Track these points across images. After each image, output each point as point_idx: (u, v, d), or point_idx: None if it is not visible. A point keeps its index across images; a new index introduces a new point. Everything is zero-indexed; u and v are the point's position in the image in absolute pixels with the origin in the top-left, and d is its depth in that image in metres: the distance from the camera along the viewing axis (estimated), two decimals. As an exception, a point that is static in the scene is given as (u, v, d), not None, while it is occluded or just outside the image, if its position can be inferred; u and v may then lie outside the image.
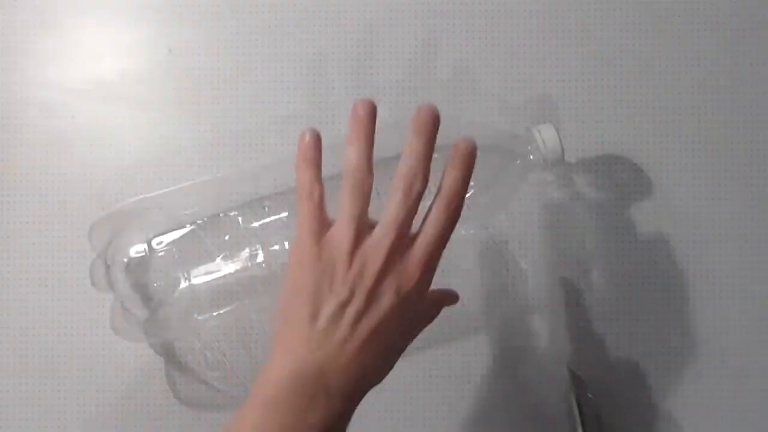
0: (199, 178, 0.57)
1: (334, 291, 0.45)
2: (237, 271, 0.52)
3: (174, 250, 0.52)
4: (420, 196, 0.45)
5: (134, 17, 0.59)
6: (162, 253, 0.52)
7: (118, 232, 0.53)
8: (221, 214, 0.53)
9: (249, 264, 0.52)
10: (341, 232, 0.45)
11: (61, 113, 0.59)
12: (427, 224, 0.46)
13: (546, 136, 0.53)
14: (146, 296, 0.52)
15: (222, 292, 0.52)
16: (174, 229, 0.53)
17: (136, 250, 0.52)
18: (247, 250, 0.52)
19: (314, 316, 0.45)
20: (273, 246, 0.52)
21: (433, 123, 0.45)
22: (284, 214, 0.52)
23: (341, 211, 0.46)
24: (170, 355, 0.58)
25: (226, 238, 0.52)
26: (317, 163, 0.47)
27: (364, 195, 0.45)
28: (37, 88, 0.59)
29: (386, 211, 0.45)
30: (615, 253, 0.58)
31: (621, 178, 0.58)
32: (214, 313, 0.53)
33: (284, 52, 0.59)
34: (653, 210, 0.58)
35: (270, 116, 0.59)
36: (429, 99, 0.57)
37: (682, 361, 0.58)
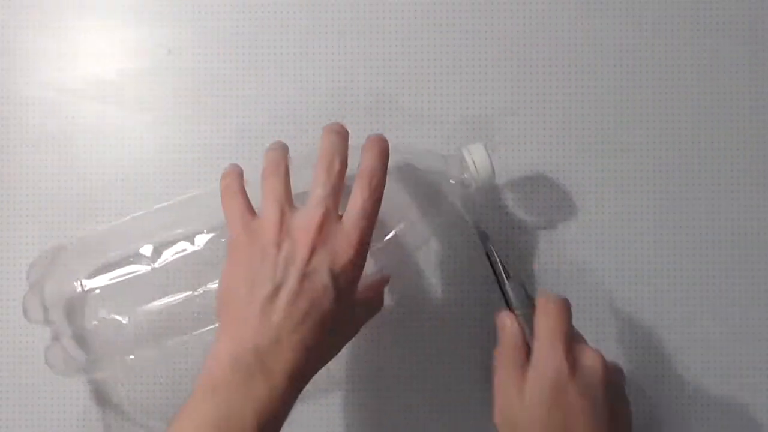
0: (143, 211, 0.56)
1: (267, 274, 0.46)
2: (176, 307, 0.51)
3: (112, 288, 0.52)
4: (341, 174, 0.47)
5: (134, 17, 0.59)
6: (99, 291, 0.52)
7: (56, 269, 0.52)
8: (161, 251, 0.52)
9: (189, 301, 0.51)
10: (266, 216, 0.47)
11: (60, 113, 0.59)
12: (350, 202, 0.47)
13: (477, 156, 0.52)
14: (83, 336, 0.52)
15: (162, 328, 0.52)
16: (113, 267, 0.52)
17: (73, 288, 0.52)
18: (188, 286, 0.52)
19: (250, 300, 0.46)
20: (214, 282, 0.51)
21: (338, 125, 0.49)
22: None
23: (263, 197, 0.47)
24: (105, 396, 0.58)
25: (167, 275, 0.52)
26: (237, 173, 0.50)
27: (282, 176, 0.48)
28: (37, 88, 0.59)
29: (310, 192, 0.47)
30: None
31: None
32: (153, 351, 0.53)
33: (284, 51, 0.59)
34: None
35: (270, 116, 0.59)
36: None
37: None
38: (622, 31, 0.59)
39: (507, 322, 0.51)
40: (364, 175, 0.48)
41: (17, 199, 0.58)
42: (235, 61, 0.59)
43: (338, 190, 0.47)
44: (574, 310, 0.49)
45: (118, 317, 0.51)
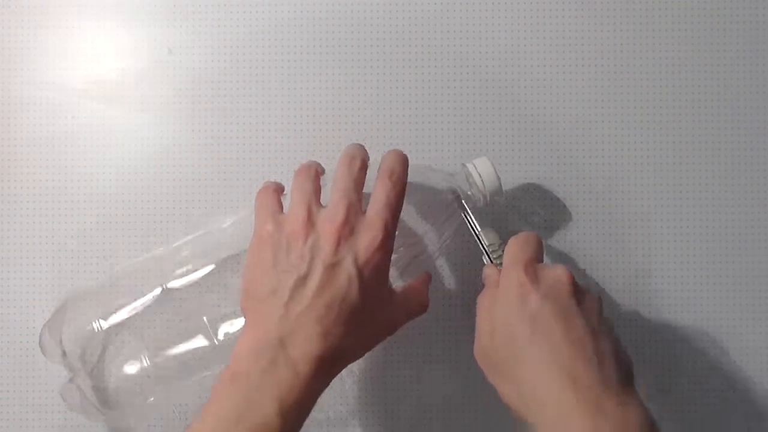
0: (159, 249, 0.56)
1: (293, 265, 0.46)
2: (195, 348, 0.52)
3: (128, 330, 0.52)
4: (363, 170, 0.49)
5: (134, 17, 0.59)
6: (117, 336, 0.52)
7: (72, 316, 0.53)
8: (179, 288, 0.53)
9: (207, 341, 0.52)
10: (293, 210, 0.48)
11: (61, 113, 0.59)
12: (372, 197, 0.48)
13: (483, 170, 0.52)
14: (100, 378, 0.52)
15: (180, 370, 0.52)
16: (129, 307, 0.52)
17: (92, 330, 0.52)
18: (205, 325, 0.52)
19: (275, 290, 0.46)
20: (231, 319, 0.52)
21: (357, 144, 0.51)
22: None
23: (291, 194, 0.48)
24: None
25: (183, 314, 0.52)
26: (277, 183, 0.51)
27: (313, 177, 0.49)
28: (37, 88, 0.59)
29: (332, 189, 0.48)
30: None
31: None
32: (171, 392, 0.53)
33: (284, 51, 0.59)
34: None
35: (270, 115, 0.59)
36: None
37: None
38: (627, 37, 0.59)
39: (486, 272, 0.52)
40: (385, 171, 0.48)
41: (17, 199, 0.58)
42: (236, 60, 0.59)
43: (360, 184, 0.48)
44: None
45: (136, 359, 0.52)
